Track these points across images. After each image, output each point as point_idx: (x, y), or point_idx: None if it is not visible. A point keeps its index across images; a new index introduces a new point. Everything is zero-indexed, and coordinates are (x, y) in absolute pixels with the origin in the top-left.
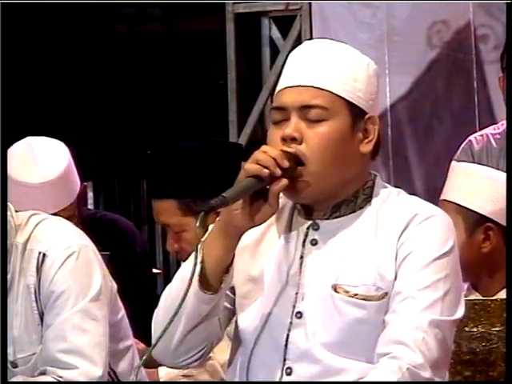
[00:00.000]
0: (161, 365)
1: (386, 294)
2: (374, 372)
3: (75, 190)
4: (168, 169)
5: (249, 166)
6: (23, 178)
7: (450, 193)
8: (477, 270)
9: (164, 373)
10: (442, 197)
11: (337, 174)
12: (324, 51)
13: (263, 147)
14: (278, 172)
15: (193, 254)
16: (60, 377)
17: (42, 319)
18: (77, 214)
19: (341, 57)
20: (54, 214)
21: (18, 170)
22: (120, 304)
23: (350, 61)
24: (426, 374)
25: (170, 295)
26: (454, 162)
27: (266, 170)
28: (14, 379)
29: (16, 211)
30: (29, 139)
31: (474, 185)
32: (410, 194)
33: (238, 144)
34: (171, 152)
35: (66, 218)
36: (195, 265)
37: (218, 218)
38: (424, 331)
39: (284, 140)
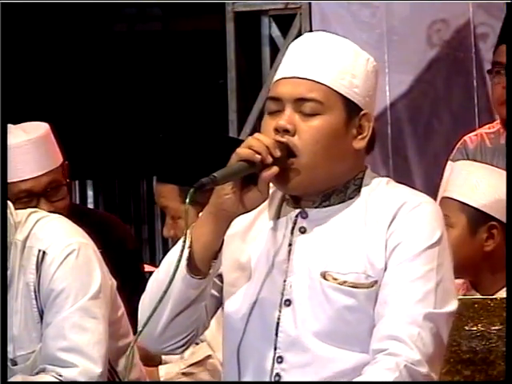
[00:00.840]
0: (161, 363)
1: (376, 282)
2: (372, 369)
3: (58, 157)
4: (176, 155)
5: (240, 150)
6: (9, 141)
7: (452, 190)
8: (478, 268)
9: (164, 371)
10: (444, 194)
11: (327, 168)
12: (323, 44)
13: (256, 134)
14: (269, 159)
15: (181, 239)
16: (60, 375)
17: (41, 317)
18: (64, 182)
19: (340, 51)
20: (41, 177)
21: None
22: (120, 302)
23: (348, 56)
24: (424, 370)
25: (156, 280)
26: (450, 162)
27: (258, 156)
28: (13, 377)
29: (16, 209)
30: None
31: (477, 183)
32: None
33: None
34: (182, 139)
35: (53, 181)
36: (183, 249)
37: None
38: (419, 326)
39: (277, 131)
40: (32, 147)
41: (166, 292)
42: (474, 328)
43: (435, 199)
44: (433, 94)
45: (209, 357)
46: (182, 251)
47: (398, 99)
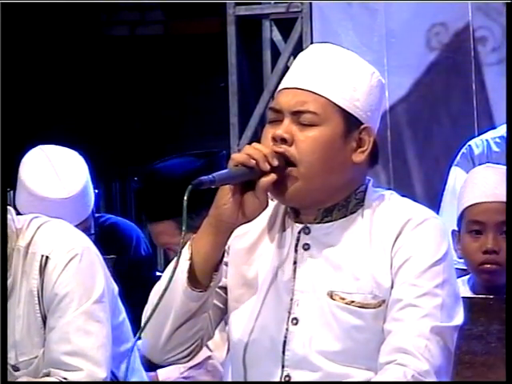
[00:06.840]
0: (161, 366)
1: (384, 301)
2: (379, 378)
3: (92, 201)
4: (156, 191)
5: (236, 155)
6: (46, 193)
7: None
8: None
9: (164, 376)
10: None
11: (324, 179)
12: (327, 57)
13: (254, 144)
14: (267, 167)
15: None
16: (64, 378)
17: (44, 322)
18: (92, 221)
19: (343, 64)
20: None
21: (41, 185)
22: (121, 306)
23: (352, 69)
24: (432, 381)
25: (158, 292)
26: (454, 167)
27: (253, 161)
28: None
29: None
30: (43, 149)
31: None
32: (410, 196)
33: (219, 152)
34: (156, 174)
35: (84, 229)
36: (178, 259)
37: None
38: (426, 338)
39: (275, 140)
40: (69, 203)
41: (155, 308)
42: (474, 329)
43: (435, 202)
44: (432, 98)
45: (208, 358)
46: (178, 260)
47: (397, 102)
